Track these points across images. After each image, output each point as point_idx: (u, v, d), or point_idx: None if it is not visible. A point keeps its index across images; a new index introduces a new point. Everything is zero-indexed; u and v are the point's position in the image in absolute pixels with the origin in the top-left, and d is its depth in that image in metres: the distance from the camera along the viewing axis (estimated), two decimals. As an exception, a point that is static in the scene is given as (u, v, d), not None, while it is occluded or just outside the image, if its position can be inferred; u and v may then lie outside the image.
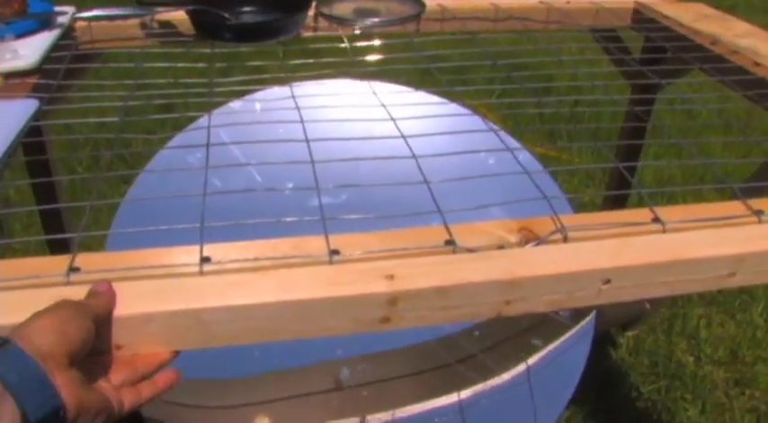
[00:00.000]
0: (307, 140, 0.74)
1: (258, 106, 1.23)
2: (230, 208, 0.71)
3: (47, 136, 1.15)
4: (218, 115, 1.08)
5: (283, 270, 0.54)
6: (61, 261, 0.55)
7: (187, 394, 1.00)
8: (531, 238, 0.60)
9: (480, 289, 0.54)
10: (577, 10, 1.18)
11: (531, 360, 1.14)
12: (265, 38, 0.99)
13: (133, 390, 0.51)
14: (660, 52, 1.23)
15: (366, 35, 1.08)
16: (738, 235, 0.63)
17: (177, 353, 0.53)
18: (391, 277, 0.53)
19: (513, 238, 0.60)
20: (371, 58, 1.03)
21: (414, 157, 0.72)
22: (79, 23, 1.05)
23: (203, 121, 1.14)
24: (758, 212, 0.65)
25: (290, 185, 1.16)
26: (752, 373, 1.64)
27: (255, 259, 0.55)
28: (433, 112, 1.19)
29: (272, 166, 1.09)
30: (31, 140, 0.86)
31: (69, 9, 1.03)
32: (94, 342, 0.47)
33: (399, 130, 0.77)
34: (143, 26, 1.05)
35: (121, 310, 0.50)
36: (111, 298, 0.50)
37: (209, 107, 1.07)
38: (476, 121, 1.29)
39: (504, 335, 1.18)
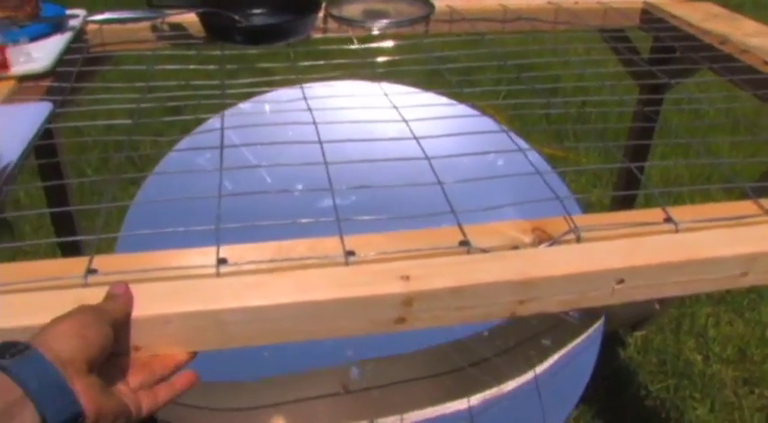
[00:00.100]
0: (320, 142, 0.75)
1: (267, 108, 1.23)
2: (241, 209, 0.71)
3: (58, 139, 1.16)
4: (228, 117, 1.09)
5: (299, 271, 0.54)
6: (79, 263, 0.55)
7: (197, 396, 1.00)
8: (544, 238, 0.60)
9: (495, 289, 0.54)
10: (586, 10, 1.19)
11: (542, 365, 1.14)
12: (276, 40, 1.00)
13: (150, 393, 0.51)
14: (669, 52, 1.23)
15: (375, 36, 1.08)
16: (751, 235, 0.63)
17: (194, 354, 0.54)
18: (407, 278, 0.53)
19: (526, 239, 0.60)
20: (380, 59, 1.03)
21: (427, 158, 0.72)
22: (90, 26, 1.06)
23: (212, 122, 1.15)
24: (770, 212, 0.65)
25: (300, 187, 1.17)
26: (761, 371, 1.64)
27: (271, 260, 0.56)
28: (441, 114, 1.19)
29: (281, 168, 1.09)
30: (43, 143, 0.87)
31: (81, 12, 1.04)
32: (113, 345, 0.48)
33: (412, 132, 0.78)
34: (153, 29, 1.06)
35: (139, 311, 0.51)
36: (128, 300, 0.51)
37: (218, 109, 1.08)
38: (484, 122, 1.29)
39: (514, 338, 1.18)
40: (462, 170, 0.80)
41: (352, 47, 1.04)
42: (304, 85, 1.01)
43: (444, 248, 0.58)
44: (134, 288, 0.52)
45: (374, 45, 1.06)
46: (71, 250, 1.32)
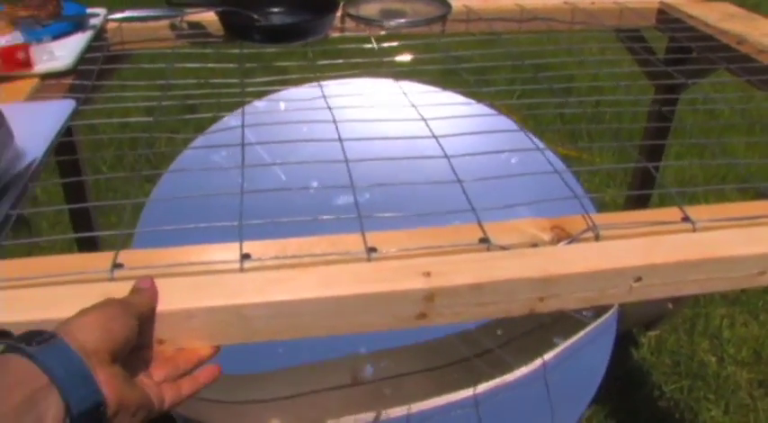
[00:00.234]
0: (340, 140, 0.75)
1: (283, 106, 1.24)
2: (257, 207, 0.72)
3: (77, 136, 1.17)
4: (244, 115, 1.10)
5: (322, 267, 0.55)
6: (104, 258, 0.56)
7: (209, 389, 1.01)
8: (563, 236, 0.61)
9: (515, 286, 0.55)
10: (602, 10, 1.19)
11: (549, 356, 1.15)
12: (294, 39, 1.01)
13: (174, 386, 0.52)
14: (685, 52, 1.23)
15: (392, 36, 1.09)
16: (768, 234, 0.63)
17: (218, 349, 0.55)
18: (428, 274, 0.54)
19: (545, 237, 0.60)
20: (397, 58, 1.04)
21: (446, 156, 0.73)
22: (110, 25, 1.07)
23: (227, 120, 1.15)
24: (788, 212, 0.65)
25: (315, 184, 1.17)
26: (776, 373, 1.64)
27: (294, 256, 0.57)
28: (457, 113, 1.20)
29: (296, 166, 1.10)
30: (62, 140, 0.88)
31: (101, 11, 1.05)
32: (137, 338, 0.49)
33: (431, 130, 0.78)
34: (173, 27, 1.07)
35: (164, 305, 0.51)
36: (153, 295, 0.51)
37: (235, 107, 1.09)
38: (500, 121, 1.29)
39: (524, 331, 1.19)
40: (478, 168, 0.80)
41: (369, 46, 1.04)
42: (320, 84, 1.02)
43: (464, 245, 0.58)
44: (159, 282, 0.53)
45: (391, 44, 1.06)
46: (88, 246, 1.33)
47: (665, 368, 1.63)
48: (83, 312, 0.46)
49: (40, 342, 0.42)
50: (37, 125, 0.74)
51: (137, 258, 0.57)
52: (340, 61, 0.99)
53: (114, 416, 0.44)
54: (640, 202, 1.56)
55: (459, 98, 1.31)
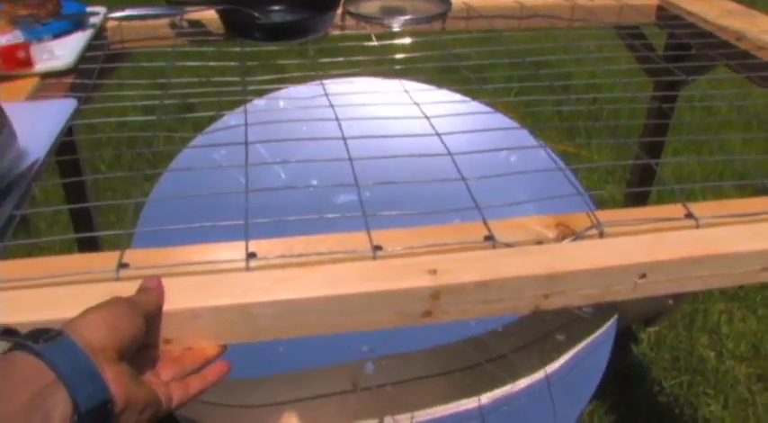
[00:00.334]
0: (344, 138, 0.75)
1: (282, 104, 1.24)
2: (258, 205, 0.72)
3: (77, 135, 1.17)
4: (243, 114, 1.09)
5: (328, 265, 0.55)
6: (110, 257, 0.56)
7: (208, 392, 1.01)
8: (567, 233, 0.61)
9: (520, 283, 0.55)
10: (602, 7, 1.19)
11: (556, 360, 1.15)
12: (295, 37, 1.01)
13: (182, 384, 0.52)
14: (684, 49, 1.23)
15: (392, 33, 1.09)
16: (771, 231, 0.63)
17: (225, 348, 0.55)
18: (434, 272, 0.54)
19: (550, 234, 0.61)
20: (396, 56, 1.04)
21: (450, 154, 0.73)
22: (110, 23, 1.07)
23: (228, 119, 1.15)
24: (790, 208, 0.66)
25: (315, 182, 1.17)
26: (774, 368, 1.65)
27: (300, 255, 0.57)
28: (456, 110, 1.20)
29: (296, 164, 1.10)
30: (63, 140, 0.88)
31: (101, 9, 1.05)
32: (144, 337, 0.49)
33: (434, 128, 0.78)
34: (173, 26, 1.07)
35: (171, 304, 0.51)
36: (160, 294, 0.52)
37: (234, 106, 1.09)
38: (498, 119, 1.30)
39: (529, 334, 1.19)
40: (477, 166, 0.80)
41: (370, 44, 1.04)
42: (321, 82, 1.02)
43: (470, 243, 0.59)
44: (165, 282, 0.53)
45: (391, 42, 1.06)
46: (89, 246, 1.33)
47: (664, 363, 1.64)
48: (89, 310, 0.46)
49: (47, 340, 0.42)
50: (39, 125, 0.74)
51: (142, 258, 0.57)
52: (340, 59, 0.99)
53: (122, 413, 0.44)
54: (639, 199, 1.56)
55: (457, 96, 1.31)
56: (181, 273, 0.55)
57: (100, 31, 1.04)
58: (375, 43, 1.04)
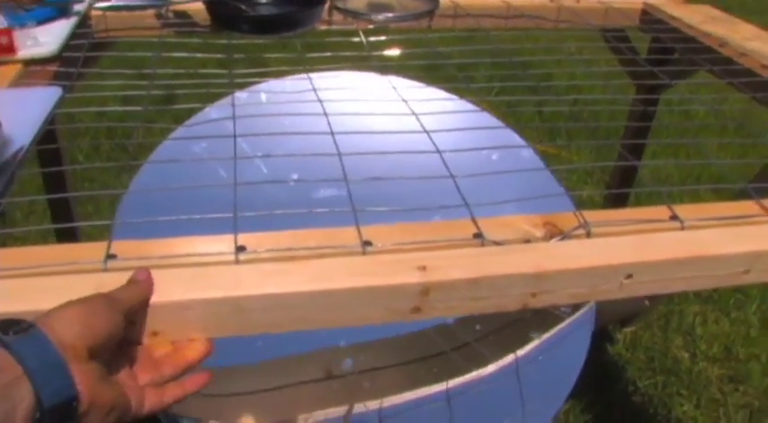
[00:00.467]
0: (332, 133, 0.75)
1: (264, 97, 1.24)
2: (239, 199, 0.71)
3: (57, 124, 1.15)
4: (226, 106, 1.09)
5: (318, 260, 0.55)
6: (98, 248, 0.56)
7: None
8: (555, 232, 0.61)
9: (509, 281, 0.55)
10: (587, 9, 1.20)
11: (523, 351, 1.16)
12: (282, 30, 1.00)
13: (157, 391, 0.51)
14: (667, 53, 1.24)
15: (378, 30, 1.09)
16: (753, 234, 0.65)
17: (208, 353, 0.53)
18: (423, 268, 0.54)
19: (538, 233, 0.61)
20: (381, 53, 1.03)
21: (438, 152, 0.73)
22: (94, 12, 1.05)
23: (209, 111, 1.14)
24: (772, 212, 0.67)
25: (296, 177, 1.17)
26: (745, 369, 1.67)
27: (289, 249, 0.56)
28: (441, 108, 1.20)
29: (277, 158, 1.09)
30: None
31: (86, -3, 1.04)
32: (126, 332, 0.48)
33: (422, 126, 0.78)
34: (158, 16, 1.06)
35: (160, 296, 0.51)
36: (147, 287, 0.51)
37: (218, 98, 1.08)
38: (482, 118, 1.30)
39: (501, 326, 1.20)
40: (460, 164, 0.81)
41: (356, 39, 1.04)
42: (305, 76, 1.01)
43: (459, 240, 0.59)
44: (154, 273, 0.52)
45: (377, 38, 1.06)
46: (66, 237, 1.31)
47: (639, 364, 1.66)
48: (66, 305, 0.45)
49: (18, 332, 0.42)
50: (23, 112, 0.73)
51: (130, 249, 0.56)
52: (328, 54, 0.98)
53: (86, 413, 0.43)
54: (619, 201, 1.58)
55: (442, 93, 1.31)
56: (170, 265, 0.55)
57: (84, 20, 1.02)
58: (363, 39, 1.03)
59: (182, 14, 1.06)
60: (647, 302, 1.51)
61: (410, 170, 0.79)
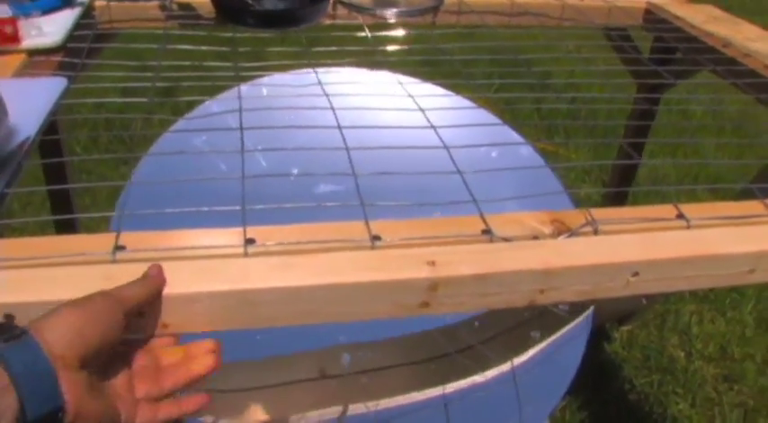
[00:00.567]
0: (339, 127, 0.75)
1: (265, 91, 1.23)
2: (238, 192, 0.71)
3: (58, 115, 1.15)
4: (228, 100, 1.08)
5: (327, 254, 0.55)
6: (106, 239, 0.56)
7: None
8: (563, 229, 0.61)
9: (517, 277, 0.55)
10: (591, 8, 1.20)
11: (528, 354, 1.16)
12: (288, 25, 1.00)
13: (152, 407, 0.49)
14: (669, 52, 1.24)
15: (382, 25, 1.09)
16: (758, 233, 0.65)
17: (214, 369, 0.52)
18: (432, 263, 0.54)
19: (546, 230, 0.61)
20: (383, 48, 1.03)
21: (445, 147, 0.73)
22: (98, 2, 1.05)
23: (210, 105, 1.14)
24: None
25: (295, 171, 1.17)
26: (740, 369, 1.68)
27: (298, 242, 0.56)
28: (441, 104, 1.20)
29: (275, 153, 1.09)
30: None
31: (90, -12, 1.03)
32: (136, 324, 0.47)
33: (429, 121, 0.79)
34: (162, 8, 1.05)
35: (170, 288, 0.51)
36: (159, 283, 0.50)
37: (219, 91, 1.07)
38: (481, 114, 1.30)
39: (502, 326, 1.20)
40: (458, 160, 0.80)
41: (361, 35, 1.04)
42: (302, 71, 1.01)
43: (467, 236, 0.59)
44: (164, 265, 0.52)
45: (378, 34, 1.06)
46: (66, 229, 1.31)
47: (635, 362, 1.66)
48: (60, 309, 0.44)
49: (9, 339, 0.40)
50: (29, 102, 0.72)
51: (138, 240, 0.56)
52: (333, 49, 0.98)
53: None
54: (617, 200, 1.58)
55: (440, 90, 1.31)
56: (178, 257, 0.54)
57: (88, 10, 1.02)
58: (368, 34, 1.03)
59: (186, 6, 1.06)
60: (644, 301, 1.52)
61: (410, 166, 0.79)
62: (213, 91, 1.09)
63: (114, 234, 0.56)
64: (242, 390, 1.01)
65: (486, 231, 0.59)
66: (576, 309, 1.22)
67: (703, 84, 1.14)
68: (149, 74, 0.87)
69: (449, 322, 1.16)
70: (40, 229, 1.70)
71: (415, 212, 0.66)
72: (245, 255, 0.55)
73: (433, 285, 0.54)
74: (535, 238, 0.60)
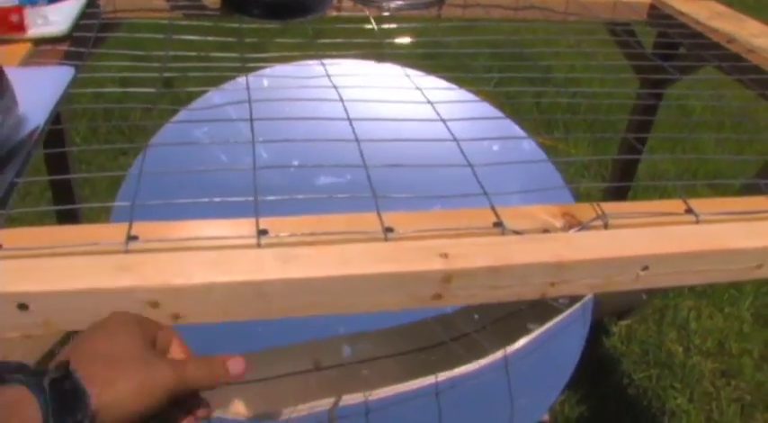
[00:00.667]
0: (349, 119, 0.75)
1: (266, 83, 1.23)
2: (237, 184, 0.71)
3: (62, 105, 1.14)
4: (231, 90, 1.08)
5: (341, 245, 0.55)
6: (118, 229, 0.56)
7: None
8: (573, 223, 0.62)
9: (530, 270, 0.56)
10: (595, 2, 1.20)
11: (519, 343, 1.16)
12: (293, 16, 1.00)
13: None
14: (672, 48, 1.25)
15: (387, 17, 1.08)
16: (766, 229, 0.65)
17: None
18: (446, 256, 0.54)
19: (557, 223, 0.61)
20: (386, 40, 1.03)
21: (455, 140, 0.73)
22: (103, -8, 1.04)
23: (212, 95, 1.14)
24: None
25: (296, 163, 1.17)
26: (738, 364, 1.69)
27: (312, 234, 0.56)
28: (441, 97, 1.20)
29: (276, 143, 1.09)
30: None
31: (95, -23, 1.03)
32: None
33: (438, 114, 0.79)
34: (168, -2, 1.05)
35: (183, 279, 0.51)
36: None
37: (221, 81, 1.07)
38: (483, 108, 1.30)
39: (500, 317, 1.20)
40: (458, 154, 0.80)
41: (367, 26, 1.04)
42: (301, 63, 1.01)
43: (479, 229, 0.59)
44: (176, 256, 0.52)
45: (384, 26, 1.06)
46: (67, 219, 1.31)
47: (634, 357, 1.67)
48: (127, 384, 0.41)
49: (74, 409, 0.38)
50: (37, 91, 0.72)
51: (151, 231, 0.56)
52: (339, 40, 0.98)
53: None
54: (619, 195, 1.58)
55: (443, 83, 1.31)
56: (191, 247, 0.54)
57: (93, 0, 1.01)
58: (373, 26, 1.03)
59: (191, -3, 1.05)
60: (644, 296, 1.52)
61: (414, 158, 0.79)
62: (216, 82, 1.09)
63: (126, 224, 0.56)
64: (236, 382, 1.01)
65: (498, 224, 0.59)
66: (574, 302, 1.23)
67: (703, 80, 1.14)
68: (155, 64, 0.86)
69: (446, 312, 1.16)
70: (38, 220, 1.70)
71: (420, 204, 0.66)
72: (258, 246, 0.55)
73: (447, 277, 0.54)
74: (546, 231, 0.61)
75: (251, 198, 0.60)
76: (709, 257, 0.62)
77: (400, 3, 1.09)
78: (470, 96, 1.32)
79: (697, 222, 0.65)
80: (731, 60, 1.03)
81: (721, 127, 2.40)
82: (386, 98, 0.88)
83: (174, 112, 1.20)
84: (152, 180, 1.06)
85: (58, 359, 0.41)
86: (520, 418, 1.08)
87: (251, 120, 0.75)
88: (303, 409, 1.01)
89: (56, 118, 1.11)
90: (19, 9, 0.87)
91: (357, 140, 0.71)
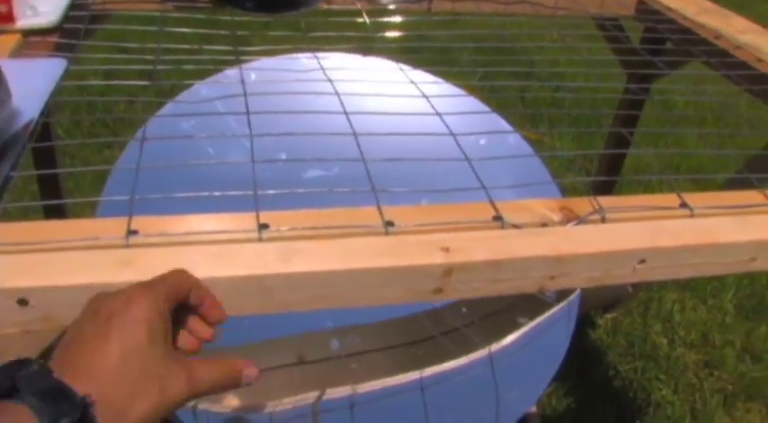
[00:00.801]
0: (346, 113, 0.75)
1: (253, 76, 1.22)
2: (228, 178, 0.71)
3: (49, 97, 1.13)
4: (215, 83, 1.08)
5: (342, 239, 0.55)
6: (118, 223, 0.55)
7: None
8: (571, 217, 0.62)
9: (530, 264, 0.56)
10: (584, -3, 1.21)
11: (508, 339, 1.17)
12: (285, 9, 0.99)
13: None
14: (659, 43, 1.26)
15: (376, 11, 1.08)
16: (760, 222, 0.66)
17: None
18: (447, 249, 0.55)
19: (555, 217, 0.62)
20: (375, 34, 1.03)
21: (452, 134, 0.74)
22: (91, -17, 1.03)
23: (200, 88, 1.13)
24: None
25: (284, 156, 1.16)
26: (721, 355, 1.72)
27: (312, 228, 0.56)
28: (427, 92, 1.21)
29: (261, 138, 1.09)
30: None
31: (83, -32, 1.01)
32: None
33: (434, 108, 0.79)
34: (157, -10, 1.04)
35: (184, 273, 0.51)
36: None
37: (208, 74, 1.06)
38: (470, 102, 1.31)
39: (489, 311, 1.21)
40: (447, 147, 0.80)
41: (359, 20, 1.03)
42: (288, 56, 1.00)
43: (479, 222, 0.59)
44: (177, 250, 0.52)
45: (374, 20, 1.05)
46: (55, 213, 1.30)
47: (620, 349, 1.69)
48: (144, 401, 0.40)
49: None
50: (30, 84, 0.71)
51: (151, 225, 0.55)
52: (330, 34, 0.98)
53: None
54: (604, 189, 1.59)
55: (429, 77, 1.31)
56: (192, 242, 0.54)
57: (82, -9, 1.00)
58: (366, 20, 1.03)
59: (182, -11, 1.04)
60: (630, 289, 1.54)
61: (405, 152, 0.79)
62: (206, 74, 1.08)
63: (125, 219, 0.56)
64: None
65: (498, 218, 0.60)
66: (562, 296, 1.24)
67: (685, 75, 1.15)
68: (143, 56, 0.86)
69: (435, 306, 1.16)
70: (22, 215, 1.68)
71: (418, 198, 0.66)
72: (260, 240, 0.55)
73: (448, 271, 0.54)
74: (544, 225, 0.61)
75: (250, 192, 0.60)
76: (705, 251, 0.62)
77: (391, -4, 1.09)
78: (457, 90, 1.33)
79: (692, 216, 0.65)
80: (719, 56, 1.04)
81: (703, 122, 2.43)
82: (375, 91, 0.88)
83: (160, 104, 1.19)
84: (142, 173, 1.05)
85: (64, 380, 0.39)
86: (508, 411, 1.09)
87: (247, 113, 0.75)
88: (289, 402, 1.01)
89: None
90: None
91: (355, 134, 0.71)
